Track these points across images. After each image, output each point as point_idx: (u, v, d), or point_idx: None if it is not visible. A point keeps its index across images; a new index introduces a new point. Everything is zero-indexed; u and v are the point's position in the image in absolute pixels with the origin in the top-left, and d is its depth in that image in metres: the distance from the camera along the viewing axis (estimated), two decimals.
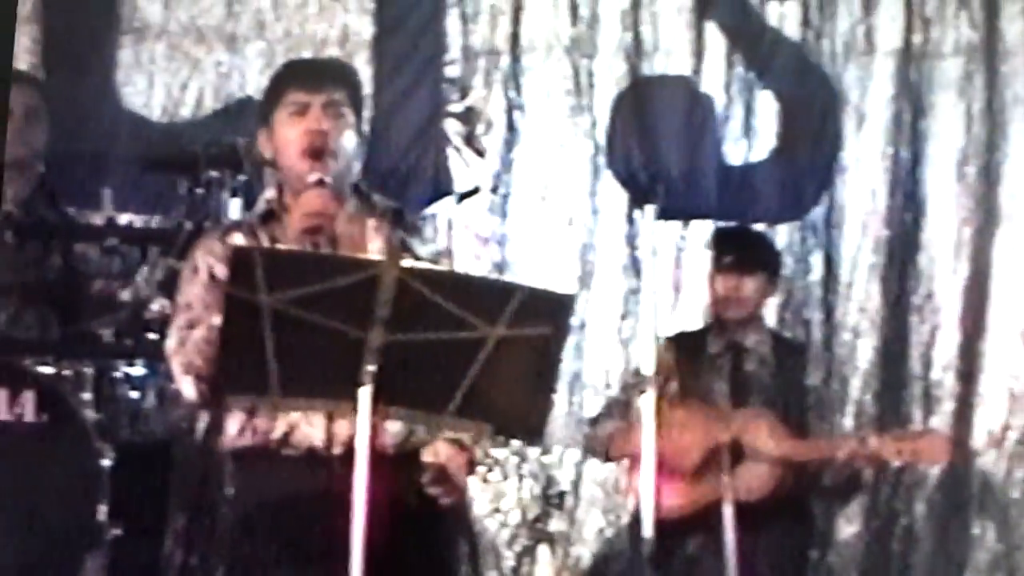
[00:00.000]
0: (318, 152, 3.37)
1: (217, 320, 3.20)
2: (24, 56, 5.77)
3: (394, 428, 3.34)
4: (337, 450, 3.32)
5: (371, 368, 2.97)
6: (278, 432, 3.36)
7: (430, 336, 3.00)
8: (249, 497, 3.42)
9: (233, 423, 3.41)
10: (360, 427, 2.98)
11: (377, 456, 3.03)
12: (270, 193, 3.51)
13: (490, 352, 2.99)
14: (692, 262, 5.67)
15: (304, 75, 3.55)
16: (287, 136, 3.42)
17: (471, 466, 3.46)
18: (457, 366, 3.01)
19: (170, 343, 3.39)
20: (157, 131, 5.88)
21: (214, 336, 3.22)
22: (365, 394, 2.97)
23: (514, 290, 3.07)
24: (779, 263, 5.17)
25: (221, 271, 3.32)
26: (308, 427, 3.35)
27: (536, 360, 3.04)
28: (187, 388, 3.35)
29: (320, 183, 3.34)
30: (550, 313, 3.05)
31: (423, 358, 3.02)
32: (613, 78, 5.96)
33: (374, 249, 3.40)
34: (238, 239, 3.41)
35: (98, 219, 5.37)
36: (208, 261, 3.41)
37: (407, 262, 3.04)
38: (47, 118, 4.93)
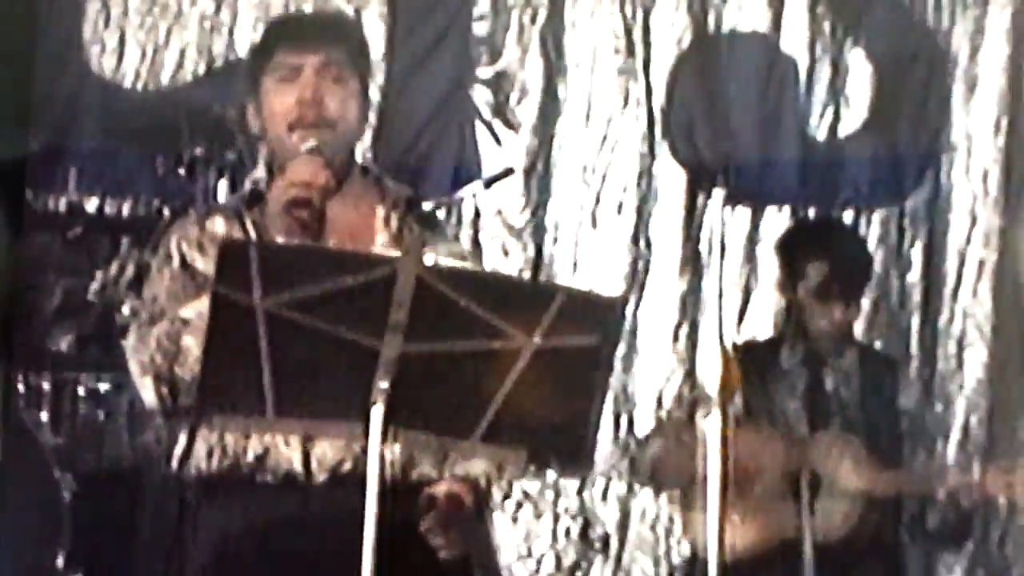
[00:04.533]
0: (312, 124, 3.42)
1: (184, 313, 3.30)
2: None
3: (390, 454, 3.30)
4: (321, 477, 3.35)
5: (384, 384, 3.00)
6: (251, 454, 3.37)
7: (454, 346, 3.03)
8: (219, 533, 3.41)
9: (201, 443, 3.41)
10: (371, 454, 2.99)
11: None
12: (259, 172, 3.55)
13: (525, 366, 3.01)
14: (766, 257, 5.69)
15: (295, 32, 3.58)
16: (276, 106, 3.45)
17: (480, 512, 3.45)
18: (486, 382, 3.03)
19: (130, 342, 3.40)
20: (130, 99, 5.93)
21: (177, 330, 3.29)
22: (377, 414, 2.99)
23: (553, 293, 3.11)
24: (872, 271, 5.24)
25: (198, 260, 3.39)
26: (285, 448, 3.35)
27: (579, 375, 3.05)
28: (146, 392, 3.36)
29: (314, 151, 3.37)
30: (596, 320, 3.05)
31: (445, 372, 3.04)
32: (673, 35, 6.01)
33: (381, 243, 3.44)
34: (219, 224, 3.45)
35: (60, 204, 5.49)
36: (182, 248, 3.43)
37: (429, 258, 3.06)
38: None
